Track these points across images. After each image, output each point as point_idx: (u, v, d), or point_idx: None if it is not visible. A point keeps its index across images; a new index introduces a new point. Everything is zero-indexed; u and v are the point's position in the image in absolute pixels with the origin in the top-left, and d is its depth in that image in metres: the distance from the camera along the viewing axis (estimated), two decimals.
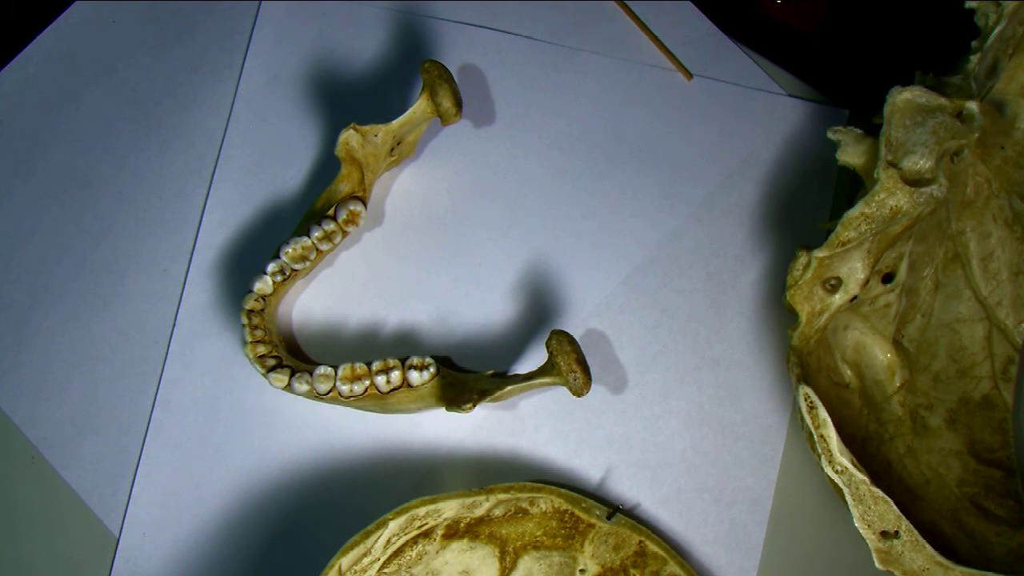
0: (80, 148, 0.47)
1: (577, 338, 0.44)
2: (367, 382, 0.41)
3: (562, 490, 0.41)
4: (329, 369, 0.41)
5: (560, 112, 0.47)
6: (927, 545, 0.35)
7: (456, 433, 0.44)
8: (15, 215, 0.46)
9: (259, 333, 0.42)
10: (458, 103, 0.42)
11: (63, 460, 0.43)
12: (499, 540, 0.41)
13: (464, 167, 0.47)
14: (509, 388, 0.40)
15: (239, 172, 0.46)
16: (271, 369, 0.41)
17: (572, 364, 0.39)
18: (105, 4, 0.49)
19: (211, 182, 0.46)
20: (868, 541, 0.36)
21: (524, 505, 0.41)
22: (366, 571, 0.39)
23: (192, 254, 0.45)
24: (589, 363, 0.44)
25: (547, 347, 0.40)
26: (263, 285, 0.42)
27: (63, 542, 0.43)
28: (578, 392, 0.40)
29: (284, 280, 0.42)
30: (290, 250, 0.42)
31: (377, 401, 0.41)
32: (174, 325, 0.45)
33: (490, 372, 0.43)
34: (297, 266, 0.42)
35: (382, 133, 0.42)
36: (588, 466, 0.43)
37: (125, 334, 0.45)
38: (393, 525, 0.39)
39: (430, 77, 0.42)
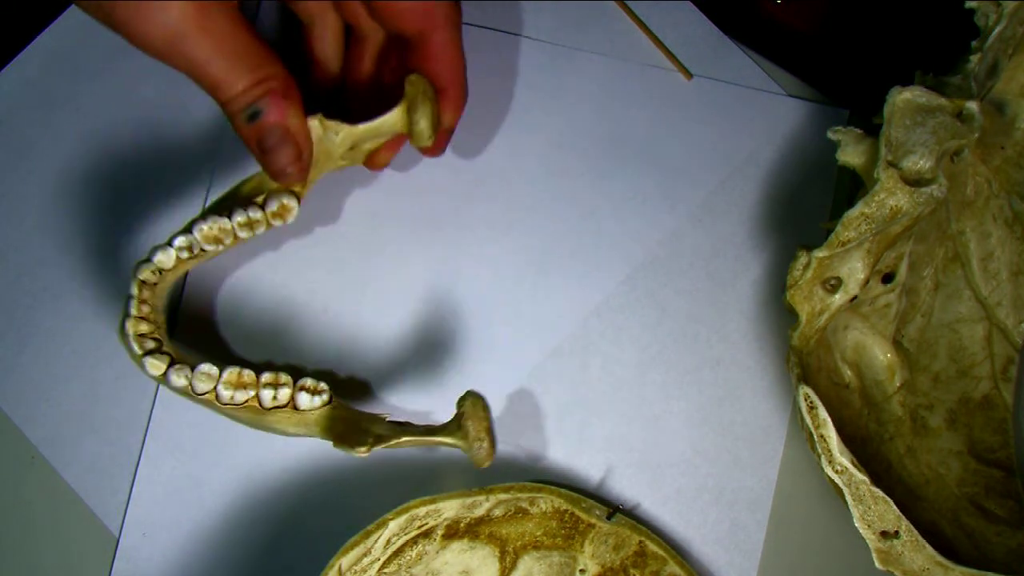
0: (80, 148, 0.47)
1: (568, 344, 0.44)
2: (252, 392, 0.37)
3: (562, 490, 0.41)
4: (214, 368, 0.37)
5: (560, 112, 0.47)
6: (927, 545, 0.35)
7: None
8: (15, 215, 0.46)
9: (145, 309, 0.37)
10: (435, 127, 0.38)
11: (63, 460, 0.43)
12: (499, 540, 0.41)
13: (464, 167, 0.47)
14: (405, 439, 0.38)
15: (239, 172, 0.46)
16: (149, 352, 0.37)
17: (481, 432, 0.38)
18: None
19: (211, 182, 0.46)
20: (868, 541, 0.36)
21: (524, 505, 0.41)
22: (366, 571, 0.39)
23: None
24: (589, 362, 0.44)
25: (458, 406, 0.38)
26: (165, 257, 0.37)
27: (63, 542, 0.42)
28: (480, 463, 0.38)
29: (188, 259, 0.38)
30: (205, 228, 0.37)
31: (255, 415, 0.38)
32: (174, 325, 0.45)
33: (387, 417, 0.41)
34: (208, 247, 0.38)
35: (344, 133, 0.38)
36: (588, 466, 0.43)
37: None
38: (393, 525, 0.39)
39: (414, 91, 0.38)
